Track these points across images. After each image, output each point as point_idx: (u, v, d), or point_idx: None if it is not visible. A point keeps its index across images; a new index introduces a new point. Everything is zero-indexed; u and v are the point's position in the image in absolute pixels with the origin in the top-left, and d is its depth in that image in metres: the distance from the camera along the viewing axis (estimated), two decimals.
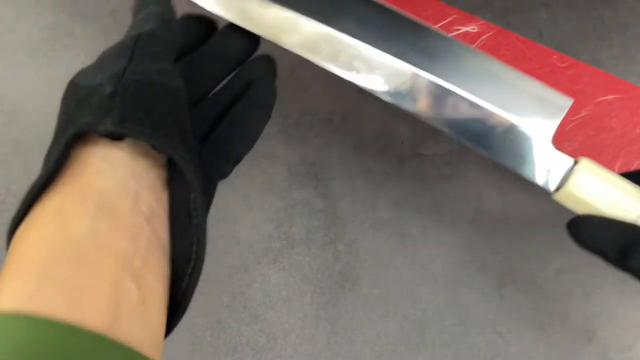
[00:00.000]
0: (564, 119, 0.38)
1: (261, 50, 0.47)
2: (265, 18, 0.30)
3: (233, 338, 0.38)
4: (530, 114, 0.28)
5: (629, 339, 0.38)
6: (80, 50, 0.47)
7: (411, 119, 0.45)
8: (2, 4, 0.49)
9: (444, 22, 0.43)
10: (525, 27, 0.48)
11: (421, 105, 0.29)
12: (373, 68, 0.30)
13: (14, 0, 0.49)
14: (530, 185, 0.43)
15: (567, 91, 0.39)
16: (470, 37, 0.42)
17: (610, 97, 0.40)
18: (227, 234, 0.40)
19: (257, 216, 0.41)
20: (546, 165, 0.28)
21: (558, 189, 0.28)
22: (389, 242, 0.41)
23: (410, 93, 0.29)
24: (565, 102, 0.28)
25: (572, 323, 0.39)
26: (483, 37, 0.43)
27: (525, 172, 0.29)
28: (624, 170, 0.38)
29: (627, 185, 0.27)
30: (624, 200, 0.26)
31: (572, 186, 0.27)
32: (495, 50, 0.42)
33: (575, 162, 0.27)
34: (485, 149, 0.29)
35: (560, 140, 0.39)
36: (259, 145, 0.44)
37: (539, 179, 0.28)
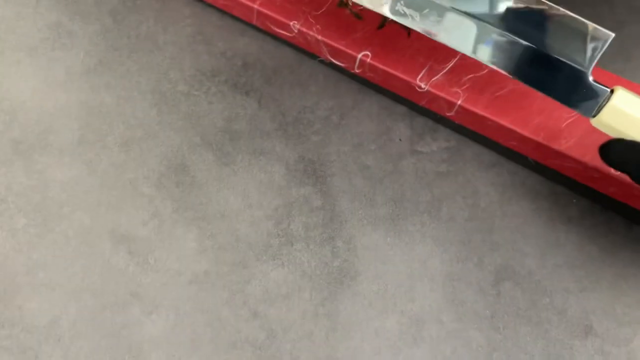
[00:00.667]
0: (559, 118, 0.39)
1: (260, 48, 0.48)
2: None
3: (233, 335, 0.38)
4: (575, 52, 0.32)
5: (625, 334, 0.39)
6: (80, 49, 0.47)
7: (409, 116, 0.46)
8: (2, 4, 0.49)
9: None
10: None
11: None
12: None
13: (13, 0, 0.49)
14: (526, 180, 0.43)
15: None
16: None
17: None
18: (226, 231, 0.41)
19: (256, 213, 0.42)
20: (586, 95, 0.32)
21: (595, 115, 0.31)
22: (387, 239, 0.41)
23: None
24: (605, 37, 0.30)
25: (569, 318, 0.39)
26: None
27: (568, 101, 0.33)
28: None
29: None
30: None
31: (606, 114, 0.31)
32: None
33: (612, 91, 0.31)
34: (535, 85, 0.34)
35: (556, 137, 0.39)
36: (258, 143, 0.44)
37: (580, 108, 0.32)
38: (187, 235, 0.41)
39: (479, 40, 0.34)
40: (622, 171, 0.32)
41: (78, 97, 0.45)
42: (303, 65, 0.48)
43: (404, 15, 0.36)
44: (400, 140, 0.45)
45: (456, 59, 0.42)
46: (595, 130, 0.39)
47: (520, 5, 0.32)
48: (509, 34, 0.33)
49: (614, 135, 0.32)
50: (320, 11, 0.45)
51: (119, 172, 0.43)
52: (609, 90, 0.31)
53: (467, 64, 0.42)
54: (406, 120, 0.45)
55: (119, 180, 0.42)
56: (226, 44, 0.48)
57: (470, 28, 0.34)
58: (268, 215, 0.41)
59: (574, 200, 0.42)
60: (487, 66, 0.41)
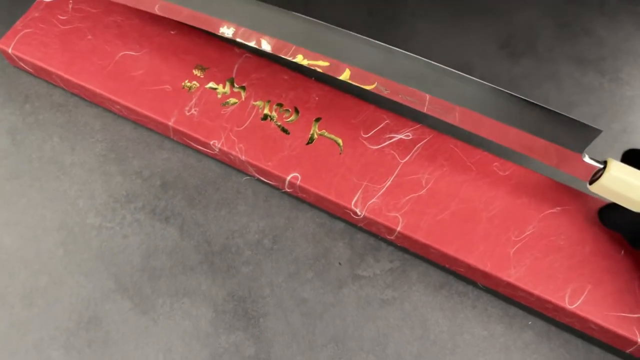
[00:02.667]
0: (507, 244, 0.35)
1: (181, 163, 0.41)
2: None
3: None
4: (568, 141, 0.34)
5: None
6: None
7: (348, 234, 0.42)
8: None
9: (376, 129, 0.40)
10: None
11: None
12: None
13: None
14: (477, 302, 0.39)
15: (509, 206, 0.36)
16: (405, 145, 0.39)
17: (556, 209, 0.37)
18: None
19: None
20: (582, 170, 0.35)
21: (591, 183, 0.35)
22: None
23: None
24: (594, 133, 0.33)
25: None
26: (419, 145, 0.39)
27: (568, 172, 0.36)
28: (575, 298, 0.35)
29: None
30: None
31: (600, 184, 0.34)
32: (432, 158, 0.39)
33: (605, 164, 0.34)
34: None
35: (505, 267, 0.35)
36: (181, 282, 0.39)
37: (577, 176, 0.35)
38: None
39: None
40: (619, 232, 0.36)
41: None
42: (230, 180, 0.43)
43: None
44: (340, 264, 0.40)
45: (392, 176, 0.38)
46: (546, 257, 0.35)
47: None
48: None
49: (611, 199, 0.34)
50: (243, 126, 0.40)
51: (21, 334, 0.37)
52: (602, 165, 0.34)
53: (405, 182, 0.38)
54: (345, 239, 0.41)
55: (21, 344, 0.37)
56: (142, 161, 0.43)
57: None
58: None
59: (529, 322, 0.39)
60: (426, 185, 0.37)
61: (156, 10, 0.39)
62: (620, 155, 0.37)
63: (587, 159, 0.34)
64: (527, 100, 0.34)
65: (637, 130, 0.46)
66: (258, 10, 0.37)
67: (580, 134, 0.33)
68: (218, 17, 0.38)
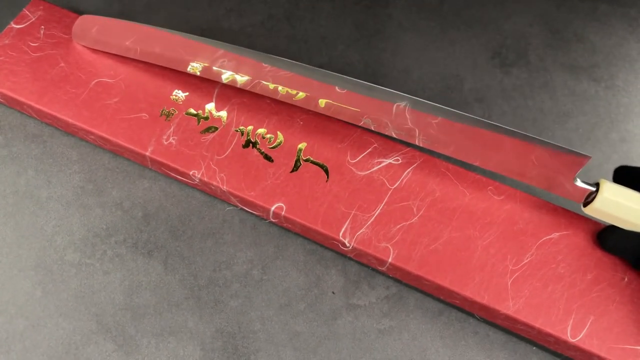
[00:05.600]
0: (504, 273, 0.33)
1: (162, 192, 0.39)
2: None
3: None
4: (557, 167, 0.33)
5: None
6: None
7: (341, 261, 0.40)
8: None
9: (364, 154, 0.38)
10: None
11: None
12: None
13: None
14: (479, 329, 0.37)
15: (505, 232, 0.34)
16: (394, 171, 0.37)
17: (555, 235, 0.35)
18: None
19: None
20: (575, 193, 0.34)
21: (585, 205, 0.34)
22: None
23: None
24: (582, 160, 0.32)
25: None
26: (409, 170, 0.37)
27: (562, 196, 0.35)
28: (578, 331, 0.33)
29: (637, 197, 0.32)
30: (638, 211, 0.32)
31: (593, 207, 0.33)
32: (423, 184, 0.37)
33: (597, 187, 0.33)
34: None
35: (502, 299, 0.34)
36: (166, 320, 0.38)
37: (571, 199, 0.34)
38: None
39: None
40: (619, 256, 0.35)
41: None
42: (214, 209, 0.41)
43: None
44: (333, 293, 0.39)
45: (382, 204, 0.36)
46: (546, 287, 0.34)
47: None
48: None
49: (607, 221, 0.34)
50: (224, 155, 0.38)
51: None
52: (594, 188, 0.33)
53: (395, 209, 0.36)
54: (338, 266, 0.40)
55: None
56: (122, 192, 0.41)
57: None
58: None
59: (534, 348, 0.37)
60: (418, 212, 0.36)
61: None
62: (620, 169, 0.35)
63: (578, 183, 0.33)
64: (509, 130, 0.32)
65: (636, 138, 0.45)
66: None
67: (569, 160, 0.32)
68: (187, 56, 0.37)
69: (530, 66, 0.48)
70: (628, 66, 0.48)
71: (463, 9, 0.50)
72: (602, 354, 0.32)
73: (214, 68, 0.38)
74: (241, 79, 0.37)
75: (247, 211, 0.40)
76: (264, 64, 0.36)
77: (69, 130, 0.41)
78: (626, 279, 0.34)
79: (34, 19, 0.43)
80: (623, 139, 0.44)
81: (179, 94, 0.40)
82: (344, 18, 0.49)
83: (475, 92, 0.46)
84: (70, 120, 0.39)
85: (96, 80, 0.40)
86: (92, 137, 0.40)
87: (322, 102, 0.36)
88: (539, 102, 0.46)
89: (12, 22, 0.42)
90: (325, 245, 0.39)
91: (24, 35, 0.42)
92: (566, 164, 0.32)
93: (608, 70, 0.47)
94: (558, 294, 0.34)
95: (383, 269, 0.37)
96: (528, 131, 0.45)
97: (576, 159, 0.32)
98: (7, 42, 0.42)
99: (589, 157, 0.32)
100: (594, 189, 0.33)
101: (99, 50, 0.41)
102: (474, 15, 0.49)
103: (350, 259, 0.39)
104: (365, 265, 0.39)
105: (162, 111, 0.40)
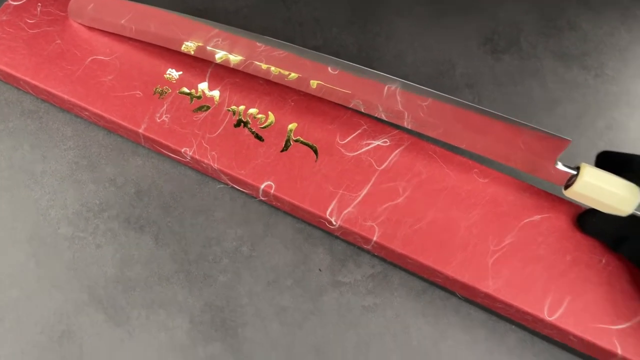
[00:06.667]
0: (485, 254, 0.34)
1: (155, 169, 0.40)
2: None
3: None
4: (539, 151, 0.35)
5: None
6: None
7: (328, 239, 0.41)
8: None
9: (353, 136, 0.39)
10: None
11: None
12: None
13: None
14: (460, 307, 0.38)
15: (488, 214, 0.35)
16: (382, 152, 0.38)
17: (536, 217, 0.36)
18: None
19: None
20: (557, 176, 0.35)
21: (566, 188, 0.35)
22: None
23: None
24: (563, 143, 0.33)
25: None
26: (396, 151, 0.38)
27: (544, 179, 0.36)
28: (554, 310, 0.34)
29: (620, 181, 0.33)
30: (618, 195, 0.33)
31: (573, 190, 0.34)
32: (410, 165, 0.38)
33: (578, 170, 0.34)
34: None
35: (483, 278, 0.35)
36: (157, 292, 0.39)
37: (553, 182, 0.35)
38: None
39: None
40: (598, 239, 0.36)
41: None
42: (206, 186, 0.42)
43: None
44: (320, 270, 0.40)
45: (369, 184, 0.37)
46: (525, 268, 0.35)
47: None
48: None
49: (587, 204, 0.34)
50: (216, 133, 0.39)
51: None
52: (575, 172, 0.34)
53: (382, 190, 0.37)
54: (325, 245, 0.41)
55: None
56: (115, 169, 0.42)
57: None
58: None
59: (513, 326, 0.38)
60: (404, 193, 0.36)
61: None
62: (602, 154, 0.36)
63: (560, 166, 0.34)
64: (495, 114, 0.33)
65: (622, 126, 0.45)
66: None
67: (551, 144, 0.33)
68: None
69: (522, 53, 0.48)
70: (618, 55, 0.48)
71: None
72: (578, 333, 0.33)
73: (208, 48, 0.38)
74: (234, 58, 0.38)
75: (237, 189, 0.41)
76: (257, 44, 0.37)
77: (64, 107, 0.42)
78: (604, 261, 0.35)
79: None
80: (609, 126, 0.45)
81: (173, 73, 0.41)
82: (340, 1, 0.49)
83: (466, 77, 0.47)
84: (66, 97, 0.40)
85: (91, 58, 0.41)
86: (87, 113, 0.41)
87: (314, 84, 0.37)
88: (529, 89, 0.47)
89: None
90: (313, 224, 0.40)
91: (21, 12, 0.42)
92: (548, 147, 0.33)
93: (598, 58, 0.48)
94: (537, 274, 0.35)
95: (368, 247, 0.37)
96: (517, 117, 0.45)
97: (558, 143, 0.33)
98: (4, 18, 0.42)
99: (569, 141, 0.32)
100: (575, 172, 0.34)
101: (95, 28, 0.42)
102: (468, 2, 0.50)
103: (337, 237, 0.40)
104: (351, 244, 0.40)
105: (156, 89, 0.40)
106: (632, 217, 0.33)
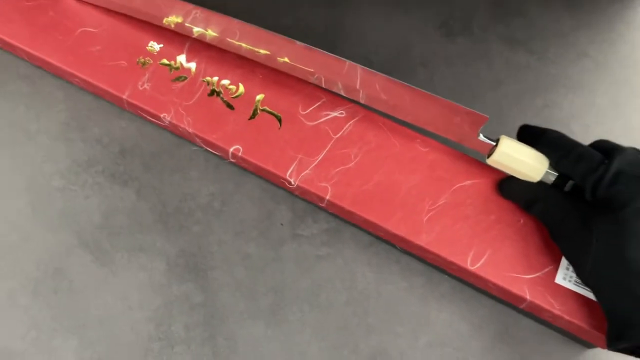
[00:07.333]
0: (421, 212, 0.40)
1: (138, 131, 0.46)
2: None
3: None
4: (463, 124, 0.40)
5: None
6: None
7: (290, 199, 0.47)
8: None
9: (313, 107, 0.44)
10: None
11: None
12: None
13: None
14: (401, 258, 0.44)
15: (426, 178, 0.41)
16: (338, 123, 0.43)
17: (467, 182, 0.42)
18: (106, 338, 0.41)
19: (137, 316, 0.42)
20: (481, 146, 0.40)
21: (488, 157, 0.40)
22: (267, 332, 0.42)
23: None
24: (483, 119, 0.39)
25: None
26: (351, 122, 0.43)
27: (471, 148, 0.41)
28: (476, 261, 0.40)
29: (533, 152, 0.39)
30: (529, 164, 0.38)
31: (492, 159, 0.39)
32: (362, 135, 0.43)
33: (497, 142, 0.39)
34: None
35: (418, 232, 0.40)
36: (138, 239, 0.44)
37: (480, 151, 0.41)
38: (66, 345, 0.41)
39: None
40: (513, 202, 0.41)
41: None
42: (183, 148, 0.47)
43: None
44: (282, 224, 0.46)
45: (325, 150, 0.43)
46: (454, 225, 0.40)
47: None
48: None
49: (505, 171, 0.40)
50: (191, 101, 0.44)
51: None
52: (494, 143, 0.40)
53: (336, 156, 0.43)
54: (288, 203, 0.46)
55: None
56: (102, 130, 0.47)
57: None
58: (148, 318, 0.42)
59: (445, 276, 0.45)
60: (355, 158, 0.42)
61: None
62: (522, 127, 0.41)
63: (481, 137, 0.39)
64: (434, 96, 0.39)
65: (557, 105, 0.51)
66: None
67: (473, 119, 0.39)
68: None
69: (474, 37, 0.53)
70: (560, 40, 0.53)
71: None
72: (495, 280, 0.40)
73: (186, 24, 0.43)
74: (210, 34, 0.43)
75: (210, 152, 0.46)
76: (232, 22, 0.41)
77: (56, 73, 0.47)
78: (522, 222, 0.41)
79: None
80: (546, 105, 0.51)
81: (154, 46, 0.46)
82: None
83: (421, 57, 0.52)
84: (58, 64, 0.45)
85: (81, 29, 0.46)
86: (77, 80, 0.46)
87: (281, 60, 0.42)
88: (477, 70, 0.52)
89: None
90: (276, 184, 0.46)
91: None
92: (471, 122, 0.39)
93: (542, 43, 0.53)
94: (464, 230, 0.41)
95: (323, 205, 0.43)
96: (464, 95, 0.51)
97: (478, 118, 0.38)
98: None
99: (487, 118, 0.38)
100: (494, 144, 0.39)
101: (84, 1, 0.46)
102: None
103: (297, 197, 0.46)
104: (310, 202, 0.46)
105: (139, 60, 0.45)
106: (540, 183, 0.39)
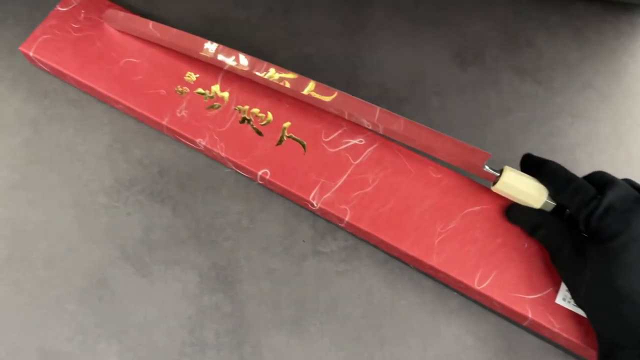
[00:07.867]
0: (433, 234, 0.44)
1: (174, 153, 0.50)
2: None
3: None
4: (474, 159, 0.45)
5: None
6: (2, 165, 0.51)
7: (312, 218, 0.51)
8: None
9: (335, 135, 0.48)
10: (418, 116, 0.52)
11: None
12: None
13: None
14: (414, 276, 0.48)
15: (438, 203, 0.45)
16: (358, 149, 0.47)
17: (476, 208, 0.46)
18: (145, 343, 0.46)
19: (172, 323, 0.47)
20: (487, 176, 0.44)
21: (493, 185, 0.44)
22: (289, 342, 0.47)
23: None
24: (487, 155, 0.44)
25: None
26: (369, 149, 0.47)
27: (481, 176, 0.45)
28: (483, 281, 0.44)
29: (533, 183, 0.43)
30: (529, 194, 0.43)
31: (496, 188, 0.44)
32: (379, 161, 0.47)
33: (501, 172, 0.44)
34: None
35: (429, 253, 0.44)
36: (173, 252, 0.49)
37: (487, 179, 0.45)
38: (109, 349, 0.46)
39: None
40: (520, 227, 0.45)
41: (2, 214, 0.49)
42: (215, 170, 0.52)
43: None
44: (304, 241, 0.50)
45: (345, 175, 0.47)
46: (463, 246, 0.44)
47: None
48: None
49: (510, 198, 0.44)
50: (224, 127, 0.48)
51: (44, 290, 0.47)
52: (498, 174, 0.44)
53: (355, 180, 0.47)
54: (310, 221, 0.50)
55: (44, 298, 0.47)
56: (142, 151, 0.52)
57: None
58: (182, 325, 0.47)
59: (454, 293, 0.48)
60: (372, 183, 0.46)
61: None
62: (525, 156, 0.45)
63: (486, 168, 0.44)
64: (446, 136, 0.43)
65: (562, 133, 0.54)
66: None
67: (478, 155, 0.43)
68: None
69: (485, 66, 0.57)
70: (567, 71, 0.57)
71: (434, 12, 0.59)
72: (500, 300, 0.43)
73: (219, 57, 0.47)
74: (241, 68, 0.47)
75: (240, 174, 0.51)
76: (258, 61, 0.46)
77: (102, 99, 0.51)
78: (526, 245, 0.45)
79: (75, 4, 0.52)
80: (552, 133, 0.54)
81: (191, 76, 0.50)
82: (333, 15, 0.58)
83: (435, 86, 0.56)
84: (104, 91, 0.49)
85: (125, 60, 0.50)
86: (120, 106, 0.50)
87: (307, 91, 0.46)
88: (487, 98, 0.56)
89: (57, 6, 0.52)
90: (299, 205, 0.50)
91: (68, 18, 0.52)
92: (477, 157, 0.43)
93: (549, 73, 0.57)
94: (472, 252, 0.44)
95: (342, 225, 0.47)
96: (475, 121, 0.55)
97: (483, 155, 0.43)
98: (53, 22, 0.51)
99: (489, 155, 0.43)
100: (498, 174, 0.43)
101: (127, 33, 0.51)
102: (442, 18, 0.58)
103: (319, 216, 0.50)
104: (330, 222, 0.50)
105: (177, 89, 0.49)
106: (541, 210, 0.43)
